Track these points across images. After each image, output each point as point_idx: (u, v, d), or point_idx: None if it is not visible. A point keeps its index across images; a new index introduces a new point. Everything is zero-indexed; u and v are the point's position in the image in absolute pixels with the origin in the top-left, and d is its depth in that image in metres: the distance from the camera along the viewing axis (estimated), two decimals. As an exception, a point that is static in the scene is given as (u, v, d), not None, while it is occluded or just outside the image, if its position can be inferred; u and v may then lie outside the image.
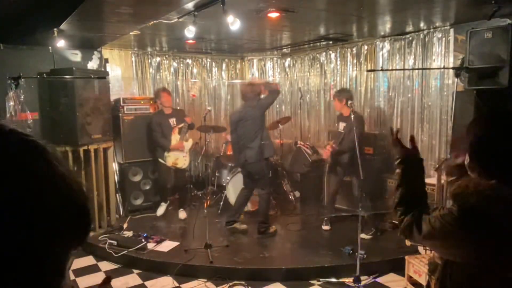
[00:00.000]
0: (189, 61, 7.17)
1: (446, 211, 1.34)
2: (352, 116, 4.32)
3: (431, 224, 1.37)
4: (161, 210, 5.75)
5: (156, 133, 5.58)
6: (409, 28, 5.07)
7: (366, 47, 5.96)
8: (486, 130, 1.35)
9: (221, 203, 5.88)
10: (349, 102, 4.64)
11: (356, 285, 3.73)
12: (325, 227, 5.13)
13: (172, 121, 5.66)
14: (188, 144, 5.66)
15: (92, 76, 4.91)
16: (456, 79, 3.53)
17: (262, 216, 5.02)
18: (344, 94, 4.86)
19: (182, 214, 5.71)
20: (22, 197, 0.52)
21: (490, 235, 1.24)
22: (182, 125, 5.62)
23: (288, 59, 7.39)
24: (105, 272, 4.31)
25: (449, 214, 1.32)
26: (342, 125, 4.95)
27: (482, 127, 1.36)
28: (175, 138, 5.58)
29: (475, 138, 1.35)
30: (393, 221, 4.99)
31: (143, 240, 4.68)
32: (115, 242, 4.64)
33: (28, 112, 4.48)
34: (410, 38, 5.28)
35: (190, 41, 5.77)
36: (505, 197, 1.22)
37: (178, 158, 5.59)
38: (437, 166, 3.98)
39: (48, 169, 0.56)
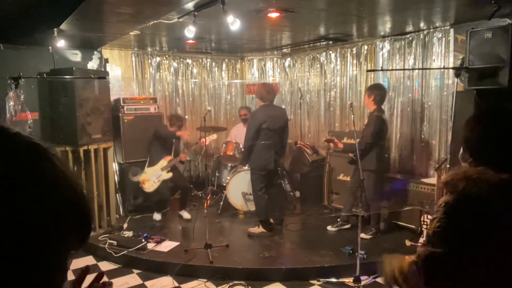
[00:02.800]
0: (189, 61, 7.17)
1: (438, 208, 1.40)
2: (374, 114, 4.58)
3: (434, 231, 1.39)
4: (157, 216, 5.70)
5: (158, 142, 5.62)
6: (409, 28, 5.07)
7: (366, 47, 5.96)
8: (480, 126, 1.47)
9: (221, 203, 5.88)
10: (349, 102, 4.65)
11: (356, 285, 3.73)
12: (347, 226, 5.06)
13: (173, 141, 5.70)
14: (166, 175, 5.58)
15: (92, 76, 4.91)
16: (456, 79, 3.53)
17: (279, 208, 5.23)
18: (375, 91, 4.71)
19: (186, 215, 5.72)
20: (29, 197, 0.53)
21: (482, 216, 1.30)
22: (175, 158, 5.65)
23: (288, 59, 7.39)
24: (105, 272, 4.31)
25: (444, 205, 1.38)
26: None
27: (476, 123, 1.49)
28: (161, 163, 5.58)
29: (469, 132, 1.48)
30: (394, 222, 5.01)
31: (143, 240, 4.67)
32: (115, 242, 4.64)
33: (28, 112, 4.48)
34: (410, 38, 5.28)
35: (190, 41, 5.77)
36: (490, 179, 1.31)
37: (149, 180, 5.54)
38: (437, 166, 3.98)
39: (53, 170, 0.57)
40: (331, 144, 5.13)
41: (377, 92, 4.71)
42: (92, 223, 0.65)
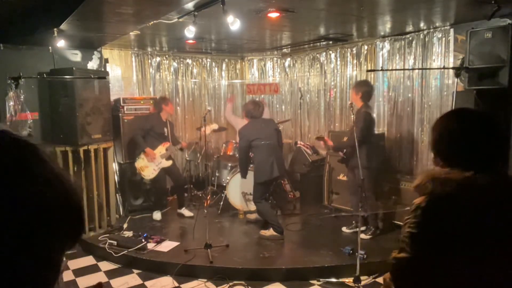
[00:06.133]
0: (189, 61, 7.17)
1: (410, 211, 1.41)
2: (362, 110, 4.50)
3: (404, 236, 1.40)
4: (157, 216, 5.71)
5: (139, 132, 5.55)
6: (409, 28, 5.07)
7: (366, 47, 5.96)
8: (446, 129, 1.48)
9: (221, 203, 5.88)
10: (349, 102, 4.64)
11: (356, 285, 3.73)
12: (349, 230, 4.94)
13: (166, 129, 5.71)
14: (166, 163, 5.58)
15: (92, 76, 4.91)
16: (456, 79, 3.53)
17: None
18: (362, 88, 4.69)
19: (187, 212, 5.76)
20: (17, 194, 0.52)
21: (449, 215, 1.32)
22: (176, 146, 5.70)
23: (288, 59, 7.39)
24: (105, 272, 4.32)
25: (414, 208, 1.39)
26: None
27: (442, 126, 1.50)
28: (160, 149, 5.56)
29: (437, 136, 1.49)
30: (394, 222, 5.01)
31: (143, 240, 4.68)
32: (115, 242, 4.64)
33: (28, 112, 4.49)
34: (410, 38, 5.28)
35: (190, 41, 5.77)
36: (455, 178, 1.34)
37: (148, 166, 5.52)
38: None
39: (42, 167, 0.56)
40: (322, 142, 5.15)
41: (365, 89, 4.68)
42: (84, 221, 0.63)
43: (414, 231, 1.36)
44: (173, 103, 6.14)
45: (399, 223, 4.97)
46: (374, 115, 4.66)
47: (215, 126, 5.83)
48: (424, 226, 1.35)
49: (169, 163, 5.60)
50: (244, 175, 5.11)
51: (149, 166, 5.52)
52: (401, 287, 1.43)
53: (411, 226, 1.37)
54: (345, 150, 4.84)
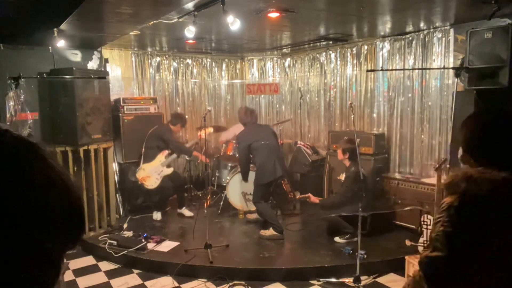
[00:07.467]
0: (189, 61, 7.16)
1: (441, 210, 1.37)
2: (351, 170, 4.60)
3: (438, 235, 1.37)
4: (157, 216, 5.71)
5: (158, 144, 5.63)
6: (409, 28, 5.07)
7: (366, 47, 5.96)
8: (478, 126, 1.46)
9: (221, 203, 5.88)
10: (349, 102, 4.63)
11: (356, 285, 3.73)
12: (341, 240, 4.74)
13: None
14: (167, 170, 5.62)
15: (92, 76, 4.91)
16: (456, 79, 3.52)
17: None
18: (347, 146, 4.71)
19: (187, 212, 5.76)
20: (21, 194, 0.52)
21: (485, 216, 1.29)
22: (173, 155, 5.72)
23: (288, 59, 7.39)
24: (105, 272, 4.32)
25: (447, 207, 1.36)
26: (343, 176, 4.92)
27: (474, 123, 1.48)
28: (160, 158, 5.60)
29: (468, 132, 1.46)
30: (394, 222, 5.00)
31: (143, 240, 4.68)
32: (115, 242, 4.64)
33: (28, 112, 4.49)
34: (410, 38, 5.28)
35: (190, 41, 5.77)
36: (492, 178, 1.31)
37: (150, 176, 5.52)
38: (437, 166, 3.98)
39: (44, 165, 0.56)
40: (308, 199, 5.06)
41: (350, 146, 4.66)
42: (85, 219, 0.63)
43: (449, 229, 1.32)
44: (174, 104, 6.31)
45: (399, 223, 4.97)
46: (362, 170, 4.58)
47: (210, 129, 5.98)
48: (459, 225, 1.32)
49: (170, 170, 5.64)
50: (246, 179, 5.23)
51: (151, 176, 5.53)
52: (435, 286, 1.39)
53: (444, 225, 1.34)
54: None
